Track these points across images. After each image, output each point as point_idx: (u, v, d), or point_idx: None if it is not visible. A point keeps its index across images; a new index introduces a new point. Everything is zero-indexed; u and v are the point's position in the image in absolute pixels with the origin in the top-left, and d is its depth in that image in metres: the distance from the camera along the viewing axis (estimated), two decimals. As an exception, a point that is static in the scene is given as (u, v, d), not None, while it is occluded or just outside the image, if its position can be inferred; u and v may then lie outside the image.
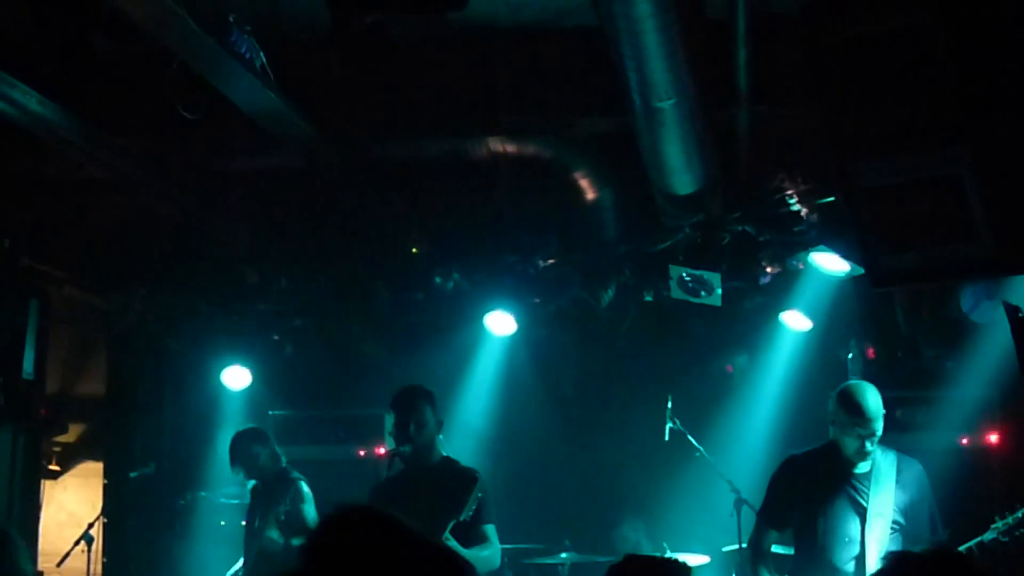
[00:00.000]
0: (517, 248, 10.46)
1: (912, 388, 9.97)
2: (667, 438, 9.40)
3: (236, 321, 11.47)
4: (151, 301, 11.41)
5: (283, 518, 9.31)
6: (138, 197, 10.22)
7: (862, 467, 7.49)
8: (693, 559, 9.22)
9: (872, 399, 7.40)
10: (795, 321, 10.14)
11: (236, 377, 11.52)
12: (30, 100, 7.77)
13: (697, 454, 9.15)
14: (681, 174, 8.47)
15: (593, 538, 9.92)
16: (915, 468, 7.60)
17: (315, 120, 8.56)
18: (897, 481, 7.46)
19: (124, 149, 9.11)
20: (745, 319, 10.52)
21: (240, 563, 9.80)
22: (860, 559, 7.27)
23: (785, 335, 10.33)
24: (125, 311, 11.50)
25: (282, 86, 7.84)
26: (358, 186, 10.04)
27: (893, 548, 7.21)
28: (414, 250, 10.80)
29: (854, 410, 7.38)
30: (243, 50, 7.25)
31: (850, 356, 10.17)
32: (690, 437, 9.11)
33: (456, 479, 7.81)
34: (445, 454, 8.06)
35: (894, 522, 7.36)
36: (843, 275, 9.32)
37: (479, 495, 7.63)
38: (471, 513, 7.58)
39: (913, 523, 7.42)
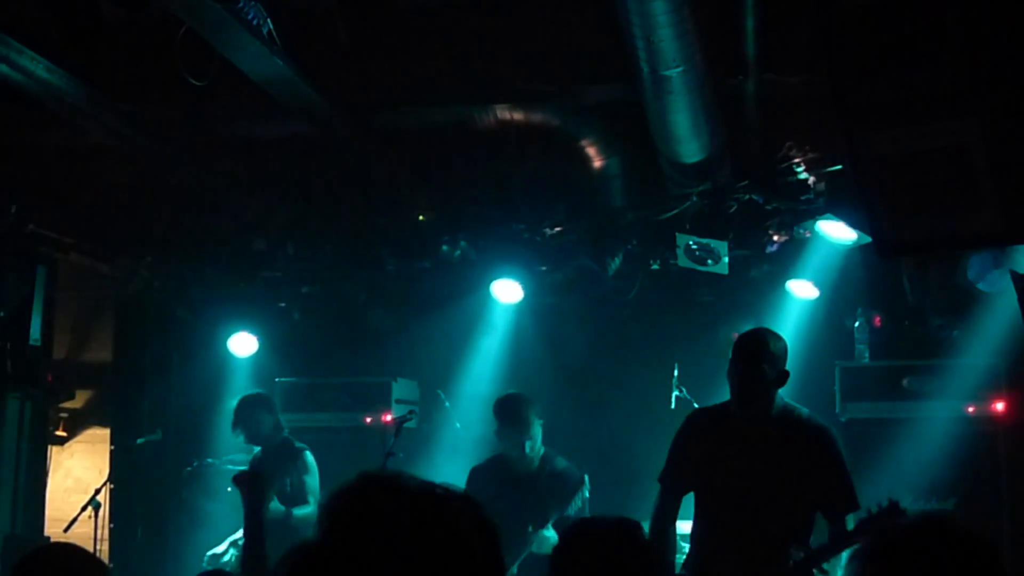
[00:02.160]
0: (524, 216, 10.46)
1: (918, 357, 9.97)
2: (673, 406, 9.42)
3: (243, 288, 11.47)
4: (158, 268, 11.42)
5: (289, 490, 9.36)
6: (145, 164, 10.22)
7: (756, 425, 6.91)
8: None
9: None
10: (802, 289, 10.14)
11: (243, 344, 11.53)
12: (38, 67, 7.76)
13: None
14: (688, 142, 8.46)
15: (599, 505, 9.94)
16: (822, 434, 6.94)
17: (322, 88, 8.55)
18: (796, 444, 6.84)
19: (131, 116, 9.10)
20: (752, 287, 10.52)
21: (238, 534, 9.85)
22: (755, 523, 6.90)
23: (792, 303, 10.32)
24: (132, 278, 11.51)
25: (289, 53, 7.83)
26: (365, 154, 10.04)
27: (789, 514, 6.83)
28: (421, 218, 10.80)
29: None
30: (250, 17, 7.24)
31: (856, 325, 10.17)
32: (696, 405, 9.10)
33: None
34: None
35: (788, 485, 6.78)
36: (850, 244, 9.32)
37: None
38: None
39: (813, 490, 6.83)
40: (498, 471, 8.51)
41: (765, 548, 6.66)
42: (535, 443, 8.43)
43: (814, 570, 6.55)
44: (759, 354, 6.80)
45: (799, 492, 6.79)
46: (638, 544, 4.35)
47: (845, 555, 6.58)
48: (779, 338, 7.00)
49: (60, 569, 3.92)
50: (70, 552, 4.12)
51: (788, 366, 6.92)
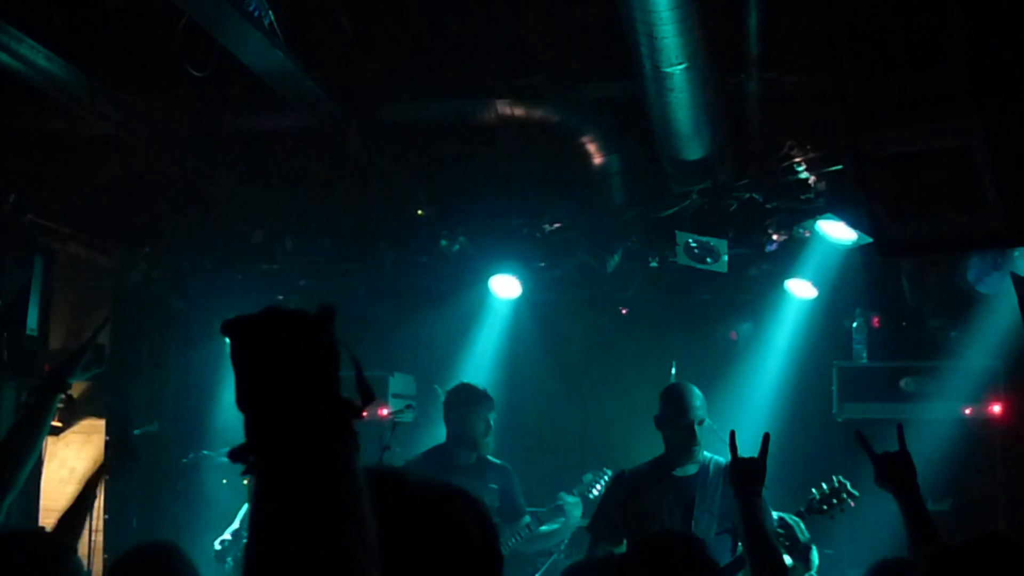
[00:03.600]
0: (523, 212, 10.45)
1: (916, 358, 9.98)
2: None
3: (241, 281, 11.46)
4: (156, 259, 11.41)
5: None
6: (145, 155, 10.20)
7: (688, 470, 7.41)
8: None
9: (689, 395, 7.38)
10: (800, 289, 10.14)
11: (240, 336, 11.49)
12: (37, 56, 7.74)
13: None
14: (689, 140, 8.45)
15: (592, 503, 9.93)
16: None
17: (322, 80, 8.54)
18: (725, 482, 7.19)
19: (131, 106, 9.09)
20: (750, 286, 10.53)
21: (236, 525, 9.85)
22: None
23: (790, 303, 10.33)
24: (130, 269, 11.51)
25: (290, 45, 7.81)
26: (364, 147, 10.02)
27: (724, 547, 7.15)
28: (420, 212, 10.78)
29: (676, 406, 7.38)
30: (251, 8, 7.22)
31: (855, 325, 10.18)
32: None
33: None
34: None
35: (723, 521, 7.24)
36: (850, 244, 9.32)
37: None
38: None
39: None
40: (442, 460, 8.54)
41: None
42: (490, 426, 8.61)
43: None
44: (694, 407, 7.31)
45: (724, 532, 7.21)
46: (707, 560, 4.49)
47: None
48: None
49: (17, 555, 3.90)
50: (28, 538, 4.11)
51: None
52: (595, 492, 8.66)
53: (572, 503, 8.67)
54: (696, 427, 7.27)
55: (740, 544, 6.99)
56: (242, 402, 1.93)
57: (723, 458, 7.27)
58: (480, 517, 2.25)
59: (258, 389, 1.90)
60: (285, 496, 1.81)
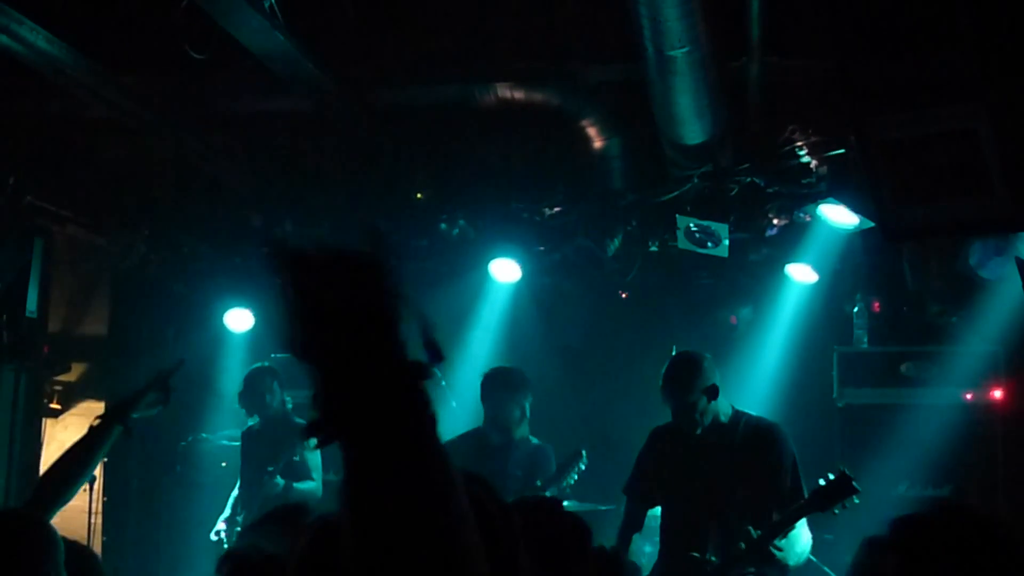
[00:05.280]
0: (523, 195, 10.43)
1: (917, 343, 9.95)
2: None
3: (239, 264, 11.43)
4: (155, 242, 11.38)
5: (297, 459, 9.40)
6: (144, 137, 10.19)
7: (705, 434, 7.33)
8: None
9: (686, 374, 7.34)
10: (801, 274, 10.12)
11: (239, 319, 11.49)
12: (38, 38, 7.72)
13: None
14: (691, 124, 8.44)
15: (594, 487, 9.93)
16: (769, 434, 7.34)
17: (323, 63, 8.52)
18: (747, 448, 7.24)
19: (131, 89, 9.07)
20: (751, 271, 10.50)
21: (228, 511, 9.87)
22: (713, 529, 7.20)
23: (791, 287, 10.30)
24: (128, 251, 11.48)
25: (291, 28, 7.79)
26: (364, 130, 10.01)
27: (750, 517, 7.13)
28: (419, 195, 10.76)
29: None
30: (252, -10, 7.21)
31: (855, 310, 10.15)
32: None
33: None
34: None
35: (742, 488, 7.19)
36: (851, 228, 9.29)
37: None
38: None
39: (763, 489, 7.17)
40: (472, 444, 8.52)
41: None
42: (525, 412, 8.58)
43: (769, 547, 6.81)
44: (690, 383, 7.21)
45: (755, 491, 7.11)
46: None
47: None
48: (702, 358, 7.38)
49: None
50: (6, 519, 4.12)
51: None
52: (572, 479, 8.49)
53: None
54: (699, 402, 7.21)
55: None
56: (305, 351, 1.78)
57: (754, 412, 7.46)
58: (499, 506, 2.23)
59: (330, 339, 1.75)
60: (387, 478, 1.73)
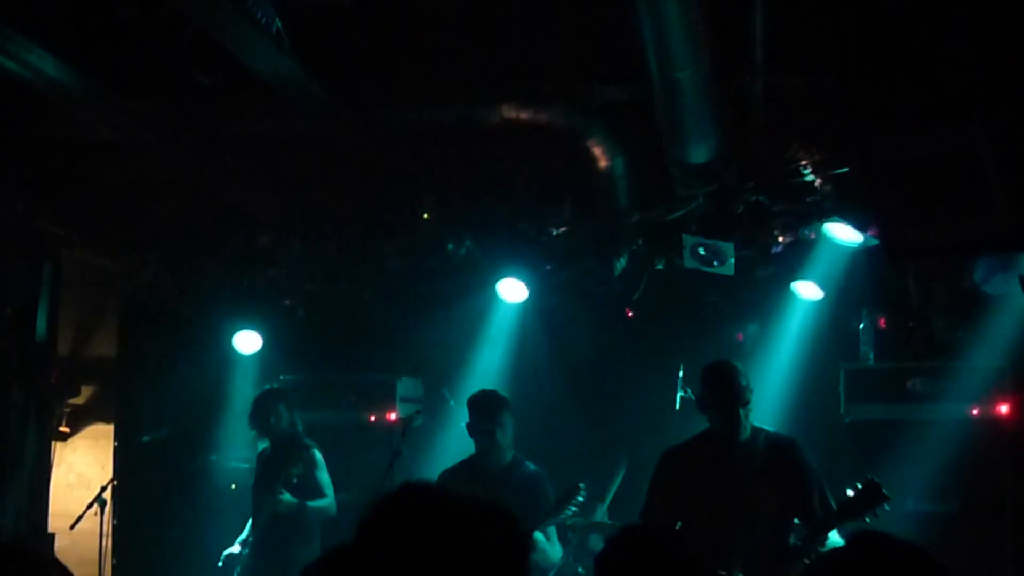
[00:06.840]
0: (530, 215, 10.46)
1: (923, 359, 9.97)
2: (678, 407, 9.41)
3: (247, 285, 11.47)
4: (163, 264, 11.43)
5: (295, 480, 9.39)
6: (152, 161, 10.23)
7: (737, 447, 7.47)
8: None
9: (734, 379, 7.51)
10: (807, 291, 10.14)
11: (247, 341, 11.53)
12: (46, 64, 7.77)
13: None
14: (696, 143, 8.47)
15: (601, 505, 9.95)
16: (791, 448, 7.54)
17: (329, 86, 8.56)
18: (772, 459, 7.41)
19: (139, 113, 9.11)
20: (757, 288, 10.51)
21: (245, 534, 9.87)
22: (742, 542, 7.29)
23: (797, 304, 10.32)
24: (137, 274, 11.53)
25: (297, 51, 7.84)
26: (371, 152, 10.04)
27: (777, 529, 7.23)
28: (426, 216, 10.79)
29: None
30: (259, 15, 7.26)
31: (861, 326, 10.17)
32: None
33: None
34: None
35: (769, 502, 7.34)
36: (856, 245, 9.33)
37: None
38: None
39: (791, 502, 7.37)
40: (467, 473, 8.55)
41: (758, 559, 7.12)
42: (506, 435, 8.57)
43: (809, 556, 6.94)
44: (743, 389, 7.43)
45: (782, 504, 7.30)
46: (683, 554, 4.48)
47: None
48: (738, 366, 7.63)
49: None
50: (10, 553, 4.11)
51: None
52: (570, 512, 8.47)
53: (541, 543, 8.32)
54: (740, 410, 7.31)
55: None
56: None
57: (771, 428, 7.59)
58: (512, 535, 2.27)
59: None
60: None
